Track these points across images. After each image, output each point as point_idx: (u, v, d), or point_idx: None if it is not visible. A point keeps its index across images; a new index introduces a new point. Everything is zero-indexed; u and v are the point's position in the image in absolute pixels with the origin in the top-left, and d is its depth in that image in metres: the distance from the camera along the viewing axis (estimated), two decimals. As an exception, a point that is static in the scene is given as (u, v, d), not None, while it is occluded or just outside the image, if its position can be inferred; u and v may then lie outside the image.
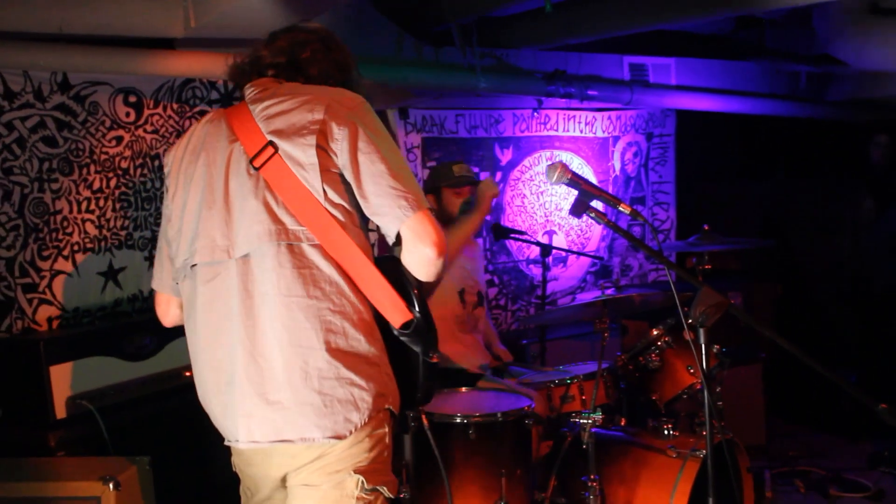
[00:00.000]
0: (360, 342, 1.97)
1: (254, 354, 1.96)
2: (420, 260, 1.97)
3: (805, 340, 4.99)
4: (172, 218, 2.14)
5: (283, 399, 1.93)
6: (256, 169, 1.98)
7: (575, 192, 2.39)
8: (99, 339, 3.17)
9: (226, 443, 2.08)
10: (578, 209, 2.38)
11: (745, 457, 3.44)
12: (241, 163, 2.02)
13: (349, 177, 1.97)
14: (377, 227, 2.02)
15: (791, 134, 6.13)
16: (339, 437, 1.93)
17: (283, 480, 2.06)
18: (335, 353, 1.94)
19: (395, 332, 2.03)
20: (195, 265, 2.06)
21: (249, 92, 2.13)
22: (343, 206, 1.98)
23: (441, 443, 3.00)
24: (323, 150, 1.96)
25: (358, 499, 1.97)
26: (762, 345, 4.85)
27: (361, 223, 2.04)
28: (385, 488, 2.02)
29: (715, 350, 3.54)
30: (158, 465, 2.72)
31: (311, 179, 1.96)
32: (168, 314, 2.26)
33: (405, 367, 2.06)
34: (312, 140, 1.95)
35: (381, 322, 2.03)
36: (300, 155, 1.96)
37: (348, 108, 2.01)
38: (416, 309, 2.01)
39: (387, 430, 2.03)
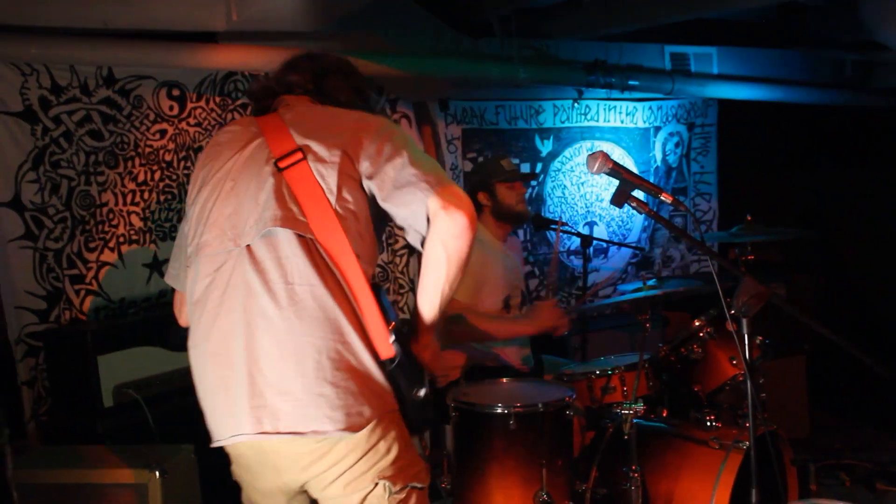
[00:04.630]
0: (362, 357, 1.94)
1: (262, 344, 1.92)
2: (451, 227, 1.90)
3: (849, 332, 4.93)
4: (190, 214, 2.13)
5: (294, 389, 1.89)
6: (281, 170, 1.98)
7: (616, 182, 2.38)
8: (144, 330, 3.23)
9: (220, 443, 2.04)
10: (619, 199, 2.37)
11: (789, 449, 3.40)
12: (261, 157, 2.03)
13: (370, 176, 1.97)
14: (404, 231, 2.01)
15: (836, 122, 6.01)
16: (353, 430, 1.90)
17: (289, 490, 2.04)
18: (347, 345, 1.92)
19: (386, 363, 1.98)
20: (201, 254, 2.03)
21: (284, 104, 2.18)
22: (354, 211, 1.97)
23: (481, 433, 3.01)
24: (347, 156, 1.98)
25: (390, 500, 1.98)
26: (805, 336, 4.79)
27: (370, 245, 2.02)
28: (416, 482, 2.03)
29: (758, 341, 3.49)
30: (202, 453, 2.76)
31: (328, 178, 1.96)
32: (184, 312, 2.19)
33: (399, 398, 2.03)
34: (340, 141, 2.00)
35: None
36: (325, 153, 1.98)
37: (378, 126, 2.04)
38: (399, 348, 1.95)
39: (396, 431, 2.00)
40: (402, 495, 2.00)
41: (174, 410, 3.13)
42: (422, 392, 2.02)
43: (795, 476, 3.44)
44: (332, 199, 1.95)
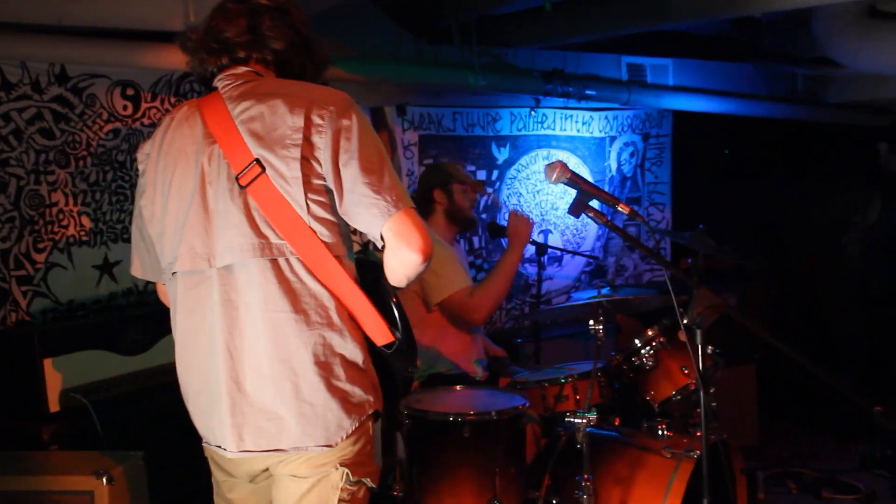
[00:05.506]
0: (346, 351, 1.98)
1: (242, 366, 1.96)
2: (403, 264, 1.93)
3: (799, 342, 5.02)
4: (154, 219, 2.09)
5: (276, 410, 1.96)
6: (243, 187, 1.94)
7: (574, 192, 2.39)
8: (93, 333, 3.16)
9: (206, 445, 2.10)
10: (577, 209, 2.38)
11: (739, 458, 3.45)
12: (222, 170, 1.97)
13: (331, 182, 1.93)
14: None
15: (788, 136, 6.14)
16: (331, 446, 1.97)
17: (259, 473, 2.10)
18: (323, 365, 1.96)
19: (376, 348, 2.04)
20: (176, 273, 2.04)
21: (225, 85, 2.05)
22: (327, 219, 1.95)
23: (435, 441, 3.01)
24: (307, 161, 1.92)
25: (342, 489, 2.01)
26: (756, 346, 4.87)
27: (346, 238, 2.02)
28: (368, 479, 2.06)
29: (710, 351, 3.53)
30: (151, 460, 2.71)
31: (295, 194, 1.92)
32: None
33: (385, 368, 2.09)
34: (296, 152, 1.91)
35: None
36: (284, 169, 1.92)
37: (331, 111, 1.94)
38: (399, 329, 2.02)
39: (370, 425, 2.06)
40: (355, 487, 2.03)
41: (124, 416, 3.07)
42: (414, 368, 2.12)
43: (745, 485, 3.49)
44: (303, 214, 1.93)
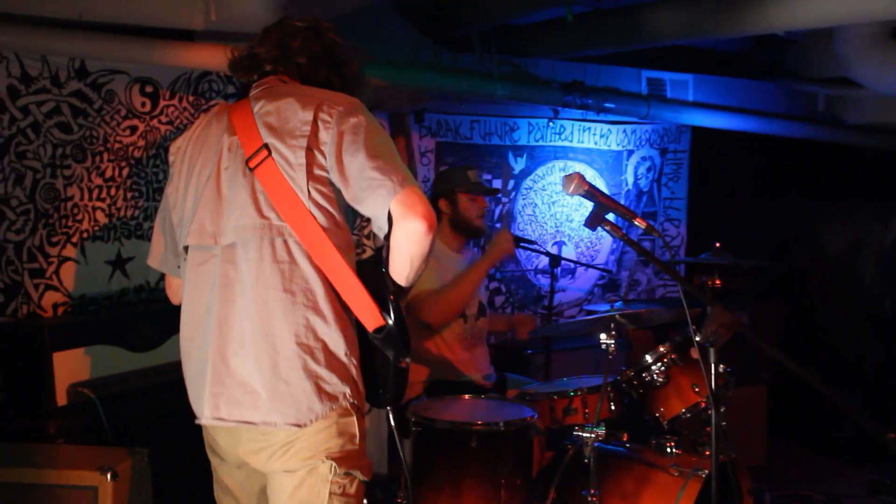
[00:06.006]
0: (329, 338, 2.06)
1: (229, 339, 2.06)
2: (411, 235, 2.01)
3: (810, 363, 4.98)
4: (176, 206, 2.24)
5: (252, 383, 2.04)
6: (251, 169, 2.07)
7: (590, 204, 2.37)
8: (103, 328, 3.17)
9: (196, 421, 2.17)
10: (594, 222, 2.37)
11: (747, 478, 3.41)
12: (237, 156, 2.11)
13: (335, 174, 2.05)
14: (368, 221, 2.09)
15: (807, 156, 6.10)
16: (300, 425, 2.03)
17: (241, 462, 2.16)
18: (304, 346, 2.04)
19: (369, 336, 2.10)
20: (187, 247, 2.17)
21: (254, 91, 2.22)
22: (326, 207, 2.07)
23: (442, 449, 2.99)
24: (311, 152, 2.05)
25: (332, 482, 2.07)
26: (767, 365, 4.84)
27: (346, 231, 2.12)
28: (359, 472, 2.12)
29: (721, 370, 3.50)
30: (157, 457, 2.71)
31: (298, 179, 2.04)
32: (177, 295, 2.31)
33: (376, 367, 2.15)
34: (304, 142, 2.04)
35: (358, 322, 2.11)
36: (290, 156, 2.05)
37: (339, 111, 2.07)
38: (391, 315, 2.07)
39: (354, 419, 2.11)
40: (345, 480, 2.09)
41: (130, 412, 3.07)
42: (407, 361, 2.15)
43: None
44: (304, 199, 2.04)
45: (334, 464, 2.06)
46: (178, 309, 2.24)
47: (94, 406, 2.98)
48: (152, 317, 3.28)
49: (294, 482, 2.06)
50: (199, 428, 2.21)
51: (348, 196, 2.05)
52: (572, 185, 2.34)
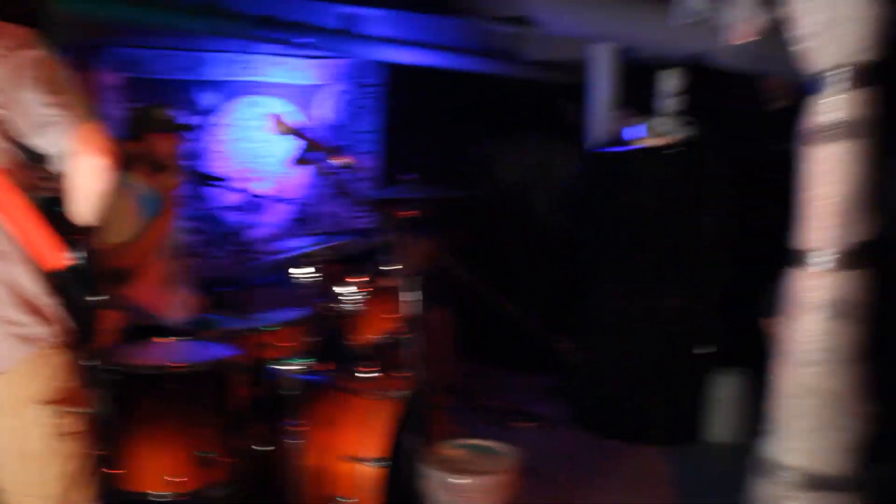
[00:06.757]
0: (20, 280, 2.04)
1: None
2: (89, 171, 1.99)
3: (494, 286, 5.41)
4: None
5: None
6: None
7: (290, 141, 2.41)
8: None
9: None
10: (292, 158, 2.42)
11: (441, 395, 3.68)
12: None
13: (11, 110, 1.97)
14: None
15: (497, 91, 6.49)
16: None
17: None
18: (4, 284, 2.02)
19: (57, 274, 2.07)
20: None
21: None
22: (1, 144, 1.99)
23: (139, 395, 2.94)
24: None
25: (48, 425, 2.08)
26: (456, 290, 5.16)
27: (27, 162, 2.05)
28: (78, 408, 2.14)
29: (414, 296, 3.64)
30: None
31: None
32: None
33: (71, 308, 2.13)
34: None
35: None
36: None
37: (15, 43, 2.00)
38: (76, 255, 2.06)
39: (63, 358, 2.11)
40: (64, 419, 2.10)
41: None
42: (97, 301, 2.14)
43: (444, 420, 3.73)
44: None
45: (48, 406, 2.06)
46: None
47: None
48: None
49: (14, 425, 2.05)
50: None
51: (25, 132, 1.99)
52: (275, 125, 2.39)
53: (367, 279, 3.65)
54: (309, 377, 3.49)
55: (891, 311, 2.94)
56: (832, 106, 2.69)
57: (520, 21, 5.51)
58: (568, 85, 6.00)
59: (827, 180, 2.72)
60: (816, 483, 2.79)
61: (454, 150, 6.39)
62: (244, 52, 5.15)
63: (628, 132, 5.16)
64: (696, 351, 5.02)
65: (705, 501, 4.21)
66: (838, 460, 2.79)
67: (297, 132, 2.44)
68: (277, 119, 2.40)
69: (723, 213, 4.98)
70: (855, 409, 2.78)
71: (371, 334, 3.68)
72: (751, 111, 4.84)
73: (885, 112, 2.66)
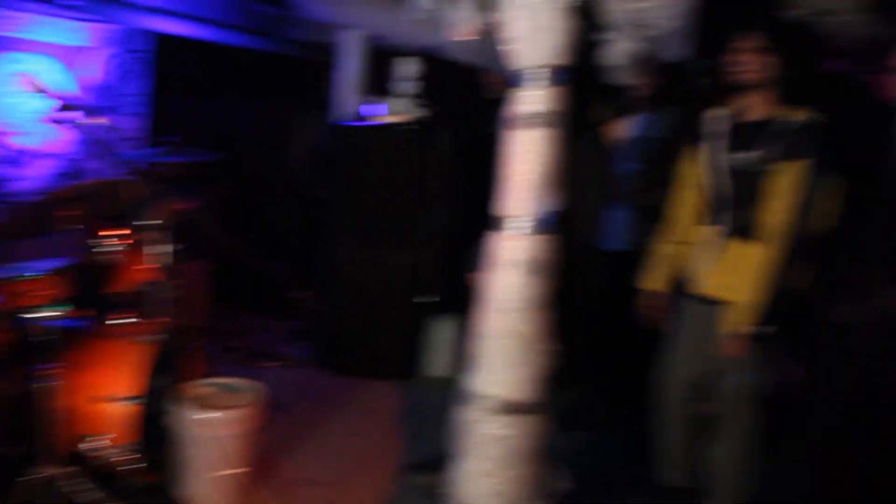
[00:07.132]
0: None
1: None
2: None
3: (250, 239, 5.72)
4: None
5: None
6: None
7: (47, 100, 2.55)
8: None
9: None
10: (51, 117, 2.54)
11: (195, 338, 3.87)
12: None
13: None
14: None
15: (260, 64, 6.74)
16: None
17: None
18: None
19: None
20: None
21: None
22: None
23: None
24: None
25: None
26: (212, 242, 5.41)
27: None
28: None
29: (166, 247, 3.76)
30: None
31: None
32: None
33: None
34: None
35: None
36: None
37: None
38: None
39: None
40: None
41: None
42: None
43: (197, 361, 3.91)
44: None
45: None
46: None
47: None
48: None
49: None
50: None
51: None
52: (27, 84, 2.48)
53: (125, 232, 3.75)
54: (66, 323, 3.44)
55: (571, 268, 3.39)
56: (531, 99, 2.94)
57: (278, 3, 5.91)
58: (323, 63, 6.37)
59: (525, 159, 2.97)
60: (511, 408, 3.08)
61: (218, 116, 6.57)
62: (5, 7, 5.01)
63: (370, 109, 5.66)
64: (419, 299, 5.50)
65: (422, 426, 4.56)
66: (528, 389, 3.10)
67: (47, 91, 2.45)
68: (27, 77, 2.42)
69: (444, 182, 5.45)
70: (543, 348, 3.11)
71: (128, 283, 3.76)
72: (472, 98, 5.28)
73: (572, 106, 3.01)
